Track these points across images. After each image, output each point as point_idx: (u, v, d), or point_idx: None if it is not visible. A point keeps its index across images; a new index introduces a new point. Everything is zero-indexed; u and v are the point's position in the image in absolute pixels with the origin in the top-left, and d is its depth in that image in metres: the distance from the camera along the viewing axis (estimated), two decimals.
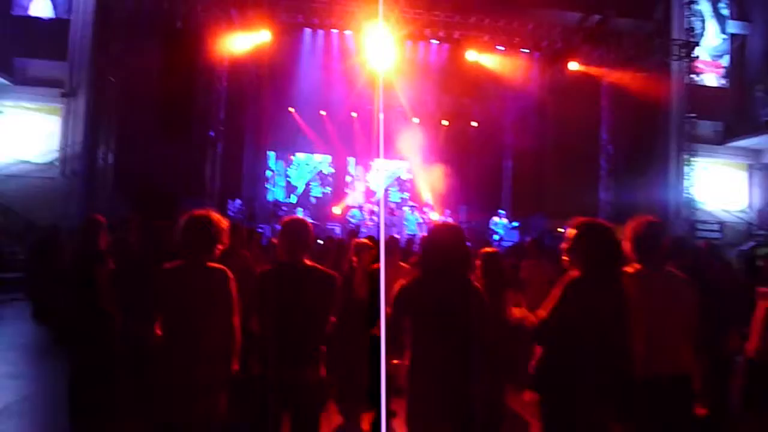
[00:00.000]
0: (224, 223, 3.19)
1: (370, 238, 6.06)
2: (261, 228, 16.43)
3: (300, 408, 3.16)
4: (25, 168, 14.94)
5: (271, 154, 19.63)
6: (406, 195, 20.32)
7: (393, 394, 5.02)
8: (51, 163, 15.08)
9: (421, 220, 17.26)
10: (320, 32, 14.31)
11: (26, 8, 15.79)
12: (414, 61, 15.37)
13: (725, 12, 18.57)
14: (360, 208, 17.64)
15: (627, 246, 3.18)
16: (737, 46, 18.87)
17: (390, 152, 19.62)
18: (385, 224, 17.12)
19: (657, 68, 16.24)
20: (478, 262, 4.36)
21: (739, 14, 18.89)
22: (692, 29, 16.26)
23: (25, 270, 10.32)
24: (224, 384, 3.06)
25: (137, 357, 3.75)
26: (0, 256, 11.40)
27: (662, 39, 16.44)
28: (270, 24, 13.77)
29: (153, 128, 13.48)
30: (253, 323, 3.26)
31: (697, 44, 16.37)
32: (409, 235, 16.44)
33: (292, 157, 19.89)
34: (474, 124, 19.07)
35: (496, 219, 17.24)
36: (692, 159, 16.68)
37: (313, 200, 19.54)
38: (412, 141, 18.68)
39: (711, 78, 18.25)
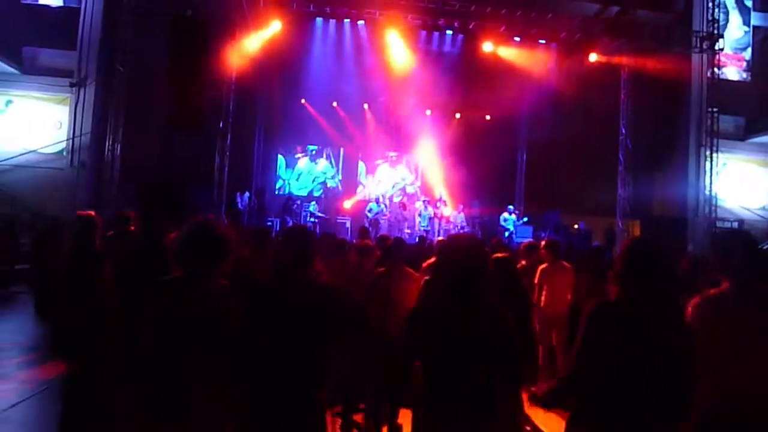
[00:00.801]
0: (231, 233, 2.75)
1: (382, 238, 5.81)
2: (270, 221, 16.25)
3: None
4: (33, 158, 14.83)
5: (281, 159, 19.43)
6: (417, 189, 20.01)
7: (398, 406, 4.82)
8: (59, 153, 14.97)
9: (433, 215, 16.95)
10: (332, 22, 14.01)
11: None
12: (428, 51, 15.04)
13: (749, 3, 18.06)
14: (377, 201, 17.35)
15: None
16: (760, 38, 18.37)
17: (402, 145, 19.34)
18: (397, 219, 16.84)
19: (678, 61, 15.80)
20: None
21: (762, 5, 18.37)
22: (716, 20, 15.72)
23: (29, 262, 10.22)
24: None
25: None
26: (8, 247, 11.24)
27: (684, 30, 15.96)
28: (281, 13, 13.52)
29: (161, 119, 13.25)
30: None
31: (721, 36, 15.86)
32: (421, 231, 16.17)
33: (298, 155, 19.63)
34: (487, 117, 18.69)
35: (505, 215, 16.90)
36: (712, 155, 16.21)
37: (323, 194, 19.27)
38: (424, 133, 18.38)
39: (733, 71, 17.77)
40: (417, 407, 2.41)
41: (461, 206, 17.34)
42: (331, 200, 18.65)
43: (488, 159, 18.66)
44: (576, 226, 16.51)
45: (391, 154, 20.06)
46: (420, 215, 16.99)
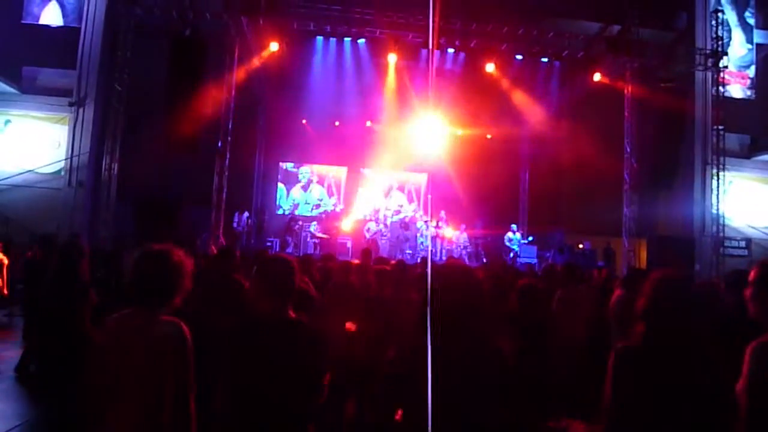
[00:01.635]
0: (188, 263, 2.47)
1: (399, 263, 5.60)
2: (270, 241, 16.04)
3: None
4: (31, 178, 14.70)
5: (281, 188, 19.32)
6: (419, 209, 19.82)
7: None
8: (57, 173, 14.84)
9: (435, 235, 16.72)
10: (332, 41, 13.92)
11: (37, 17, 15.62)
12: (429, 70, 14.93)
13: (751, 21, 17.97)
14: (375, 220, 17.14)
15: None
16: (764, 56, 18.26)
17: (405, 164, 19.16)
18: (398, 239, 16.61)
19: (682, 79, 15.68)
20: (513, 298, 3.75)
21: (765, 23, 18.28)
22: (720, 38, 15.62)
23: (22, 284, 10.00)
24: None
25: None
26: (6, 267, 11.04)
27: (687, 49, 15.86)
28: (281, 32, 13.44)
29: (160, 138, 13.15)
30: (216, 401, 2.37)
31: (725, 54, 15.75)
32: (423, 250, 15.94)
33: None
34: (488, 136, 18.55)
35: (510, 234, 16.67)
36: (718, 173, 16.01)
37: (324, 214, 19.07)
38: (427, 152, 18.21)
39: (737, 89, 17.62)
40: None
41: (463, 226, 17.12)
42: (333, 220, 18.44)
43: (491, 178, 18.49)
44: (581, 246, 16.27)
45: (392, 172, 19.91)
46: (421, 235, 16.77)
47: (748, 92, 17.82)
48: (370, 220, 17.42)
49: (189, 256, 2.53)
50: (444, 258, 15.15)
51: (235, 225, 15.11)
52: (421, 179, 20.34)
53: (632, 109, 15.24)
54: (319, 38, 13.82)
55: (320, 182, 19.75)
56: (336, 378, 3.31)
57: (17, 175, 14.57)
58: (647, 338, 1.97)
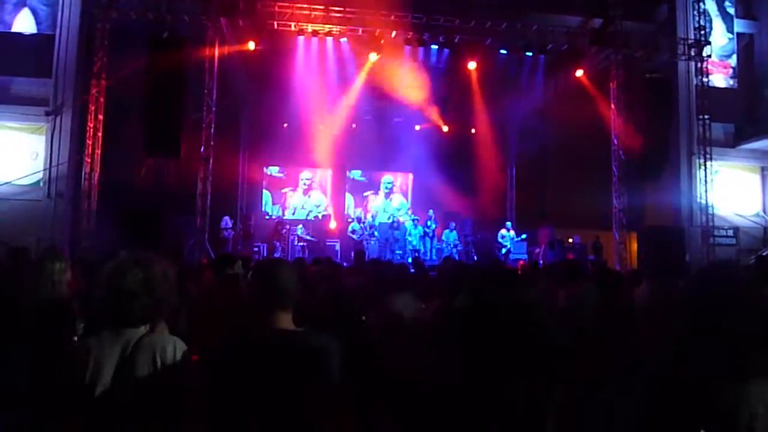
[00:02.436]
0: (171, 274, 2.14)
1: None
2: (257, 246, 15.76)
3: None
4: (8, 190, 14.30)
5: (267, 194, 19.05)
6: (407, 207, 19.65)
7: None
8: (36, 184, 14.46)
9: (424, 234, 16.56)
10: (314, 40, 13.69)
11: (9, 25, 15.19)
12: (414, 66, 14.77)
13: (731, 10, 18.04)
14: (358, 219, 16.93)
15: None
16: (744, 45, 18.36)
17: (391, 163, 19.01)
18: (386, 240, 16.42)
19: (665, 70, 15.68)
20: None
21: (745, 12, 18.38)
22: (703, 27, 15.66)
23: None
24: None
25: None
26: None
27: (671, 39, 15.88)
28: (261, 32, 13.21)
29: (140, 145, 12.84)
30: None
31: (708, 43, 15.78)
32: (413, 251, 15.76)
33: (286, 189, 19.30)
34: (473, 131, 18.44)
35: (503, 231, 16.55)
36: (705, 163, 16.03)
37: (312, 217, 18.82)
38: (413, 150, 18.07)
39: (719, 79, 17.66)
40: None
41: (453, 224, 16.98)
42: (320, 222, 18.20)
43: (478, 175, 18.40)
44: (570, 240, 16.19)
45: (379, 172, 19.76)
46: (410, 234, 16.59)
47: (731, 81, 17.88)
48: (353, 221, 17.26)
49: (175, 265, 2.27)
50: (436, 258, 15.01)
51: (221, 232, 14.80)
52: (408, 179, 20.19)
53: (618, 101, 15.22)
54: (301, 38, 13.58)
55: (320, 188, 19.58)
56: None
57: None
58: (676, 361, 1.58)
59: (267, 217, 18.66)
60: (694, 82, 16.20)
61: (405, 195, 20.22)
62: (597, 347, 3.52)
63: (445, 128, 18.25)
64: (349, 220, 17.79)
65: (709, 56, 16.12)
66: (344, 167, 19.31)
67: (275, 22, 13.10)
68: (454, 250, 16.21)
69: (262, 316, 2.12)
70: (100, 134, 13.31)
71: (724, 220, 16.75)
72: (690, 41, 15.79)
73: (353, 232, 16.34)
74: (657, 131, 15.09)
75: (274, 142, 18.05)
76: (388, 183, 20.09)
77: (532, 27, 14.34)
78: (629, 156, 15.25)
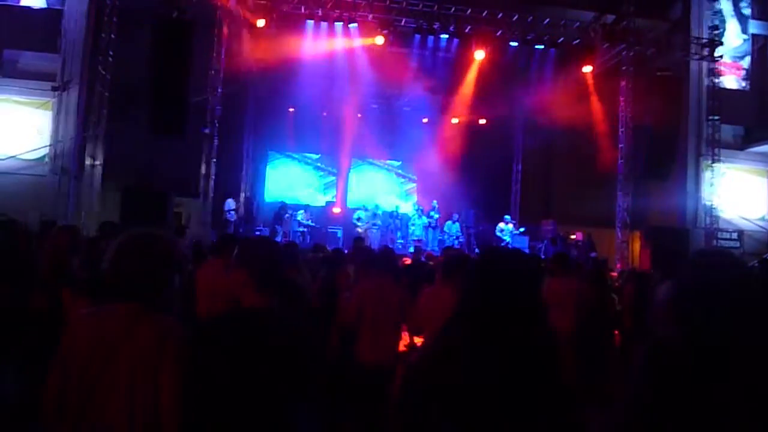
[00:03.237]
0: (180, 249, 2.13)
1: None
2: (259, 230, 15.75)
3: None
4: (13, 164, 14.30)
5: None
6: (413, 197, 19.62)
7: None
8: (41, 159, 14.45)
9: (427, 224, 16.52)
10: (323, 25, 13.58)
11: None
12: (422, 56, 14.66)
13: (747, 11, 17.81)
14: (365, 208, 16.89)
15: None
16: (759, 47, 18.14)
17: (396, 152, 18.95)
18: (387, 228, 16.39)
19: (677, 69, 15.52)
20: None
21: (761, 14, 18.13)
22: (716, 27, 15.49)
23: None
24: None
25: None
26: None
27: (683, 38, 15.70)
28: (270, 14, 13.11)
29: (146, 123, 12.79)
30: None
31: (720, 43, 15.61)
32: (415, 240, 15.72)
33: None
34: (482, 121, 18.34)
35: (501, 225, 16.49)
36: (712, 164, 15.92)
37: (315, 203, 18.80)
38: (419, 140, 18.00)
39: (731, 80, 17.48)
40: None
41: (456, 215, 16.92)
42: (324, 209, 18.18)
43: (483, 167, 18.34)
44: (573, 237, 16.12)
45: (385, 161, 19.72)
46: (413, 224, 16.55)
47: (743, 83, 17.69)
48: (359, 208, 17.21)
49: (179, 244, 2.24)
50: (438, 248, 14.96)
51: (225, 214, 14.78)
52: (413, 168, 20.14)
53: (627, 99, 15.09)
54: (310, 22, 13.47)
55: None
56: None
57: (0, 161, 14.17)
58: (676, 334, 1.60)
59: (270, 199, 18.68)
60: (705, 83, 16.05)
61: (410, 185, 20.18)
62: None
63: (455, 120, 18.16)
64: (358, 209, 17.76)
65: (722, 57, 15.94)
66: (350, 154, 19.24)
67: (284, 4, 13.01)
68: (456, 242, 16.16)
69: (242, 294, 2.10)
70: (105, 111, 13.27)
71: (729, 222, 16.64)
72: (703, 41, 15.62)
73: (359, 219, 16.29)
74: (665, 130, 14.95)
75: (280, 125, 18.00)
76: (394, 171, 20.05)
77: (544, 20, 14.20)
78: (636, 154, 15.15)
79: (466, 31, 13.87)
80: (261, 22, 13.13)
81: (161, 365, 1.90)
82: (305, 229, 16.08)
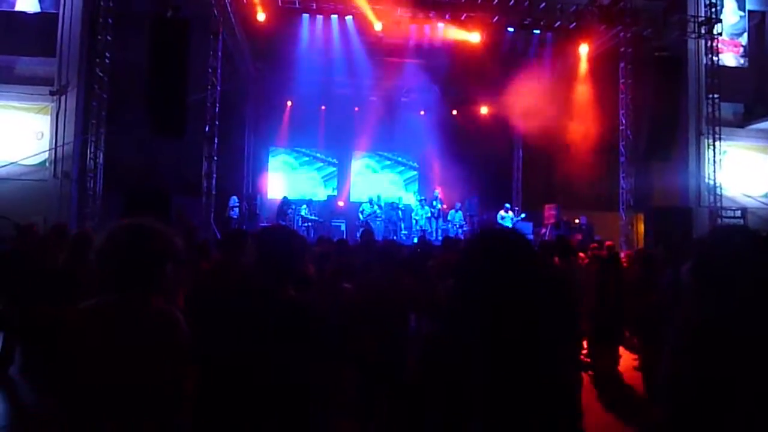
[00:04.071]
0: (176, 238, 2.08)
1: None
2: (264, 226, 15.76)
3: None
4: (14, 170, 14.31)
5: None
6: (415, 187, 19.60)
7: None
8: (42, 164, 14.46)
9: (430, 215, 16.52)
10: (319, 18, 13.53)
11: (12, 3, 15.08)
12: (420, 45, 14.60)
13: None
14: (370, 201, 16.88)
15: None
16: (756, 23, 18.03)
17: (396, 143, 18.93)
18: (390, 220, 16.38)
19: (675, 48, 15.45)
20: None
21: None
22: (714, 4, 15.38)
23: None
24: None
25: None
26: None
27: (681, 17, 15.61)
28: (266, 10, 13.05)
29: (145, 124, 12.78)
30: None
31: (719, 21, 15.52)
32: (419, 230, 15.73)
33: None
34: (483, 110, 18.29)
35: (502, 213, 16.49)
36: (714, 143, 15.87)
37: (317, 197, 18.81)
38: (419, 130, 17.97)
39: (729, 57, 17.39)
40: None
41: (459, 204, 16.92)
42: (326, 203, 18.18)
43: (484, 155, 18.32)
44: (577, 221, 16.12)
45: (384, 153, 19.70)
46: (417, 215, 16.56)
47: (741, 60, 17.61)
48: (366, 201, 17.20)
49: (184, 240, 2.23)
50: (440, 238, 14.96)
51: (228, 211, 14.79)
52: (414, 158, 20.12)
53: (626, 80, 15.03)
54: (305, 16, 13.43)
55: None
56: None
57: (0, 167, 14.18)
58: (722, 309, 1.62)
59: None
60: (704, 61, 15.95)
61: (412, 175, 20.16)
62: None
63: (454, 111, 18.13)
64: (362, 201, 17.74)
65: (720, 34, 15.85)
66: (350, 147, 19.24)
67: (279, 0, 12.95)
68: (460, 231, 16.17)
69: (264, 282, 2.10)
70: (104, 114, 13.26)
71: (732, 200, 16.61)
72: (700, 19, 15.53)
73: (362, 211, 16.29)
74: (666, 110, 14.89)
75: (279, 121, 17.98)
76: (394, 162, 20.03)
77: (540, 4, 14.12)
78: (637, 135, 15.11)
79: (463, 18, 13.81)
80: (262, 16, 13.01)
81: (171, 352, 1.91)
82: (309, 224, 16.10)
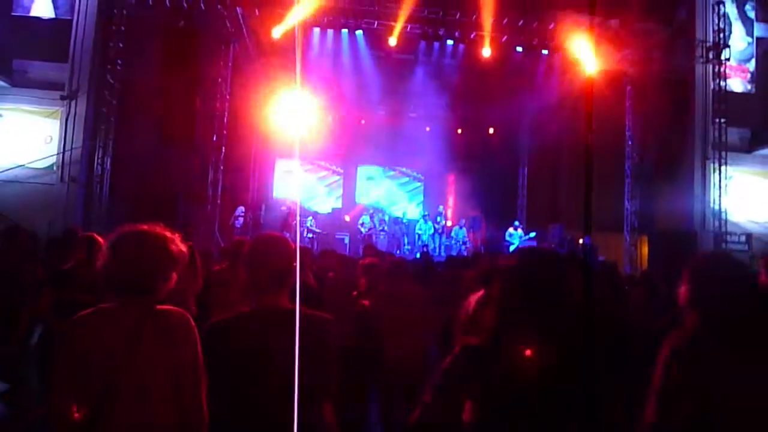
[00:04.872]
0: (181, 244, 2.13)
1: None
2: None
3: None
4: (22, 173, 14.41)
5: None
6: (419, 203, 19.63)
7: None
8: (50, 168, 14.56)
9: (433, 230, 16.53)
10: (330, 32, 13.68)
11: (28, 9, 15.30)
12: (428, 62, 14.72)
13: (752, 14, 17.81)
14: (371, 215, 16.91)
15: None
16: (764, 50, 18.11)
17: (402, 158, 18.97)
18: (393, 235, 16.40)
19: (682, 72, 15.53)
20: None
21: (765, 16, 18.12)
22: (722, 30, 15.48)
23: None
24: None
25: None
26: None
27: (689, 41, 15.71)
28: (277, 23, 13.19)
29: (154, 132, 12.90)
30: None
31: (727, 46, 15.60)
32: (422, 246, 15.74)
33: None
34: (491, 131, 18.37)
35: (511, 230, 16.49)
36: (719, 167, 15.87)
37: (323, 210, 18.85)
38: (424, 146, 18.03)
39: (737, 83, 17.46)
40: None
41: (463, 221, 16.94)
42: (331, 216, 18.21)
43: (490, 172, 18.34)
44: (581, 241, 16.08)
45: (390, 168, 19.75)
46: (420, 230, 16.57)
47: (749, 86, 17.66)
48: (365, 214, 17.23)
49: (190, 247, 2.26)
50: (445, 254, 14.97)
51: (232, 220, 14.85)
52: (420, 174, 20.17)
53: (633, 102, 15.09)
54: (316, 29, 13.57)
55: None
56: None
57: (8, 170, 14.27)
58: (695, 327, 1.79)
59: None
60: (711, 86, 16.00)
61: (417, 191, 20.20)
62: None
63: (459, 130, 18.21)
64: (360, 213, 17.76)
65: (728, 60, 15.92)
66: (356, 161, 19.31)
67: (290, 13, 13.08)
68: (463, 247, 16.17)
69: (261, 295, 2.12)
70: (113, 119, 13.38)
71: (737, 226, 16.56)
72: (708, 44, 15.62)
73: (362, 224, 16.32)
74: (672, 134, 14.96)
75: (287, 131, 18.05)
76: (400, 177, 20.08)
77: (549, 25, 14.23)
78: (643, 158, 15.13)
79: (471, 36, 13.92)
80: (277, 33, 13.04)
81: (183, 357, 1.93)
82: (313, 236, 16.12)
